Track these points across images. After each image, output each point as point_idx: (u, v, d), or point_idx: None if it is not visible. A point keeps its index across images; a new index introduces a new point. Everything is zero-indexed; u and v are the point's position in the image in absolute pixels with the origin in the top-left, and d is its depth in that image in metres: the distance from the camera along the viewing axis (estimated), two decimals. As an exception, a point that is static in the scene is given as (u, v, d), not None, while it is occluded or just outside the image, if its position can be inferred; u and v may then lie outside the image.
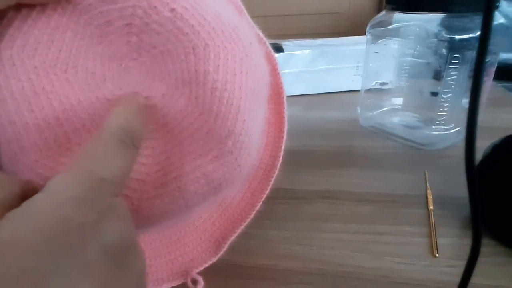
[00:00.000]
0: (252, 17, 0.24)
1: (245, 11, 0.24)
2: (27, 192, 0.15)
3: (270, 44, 0.26)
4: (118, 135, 0.16)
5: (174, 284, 0.25)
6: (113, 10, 0.18)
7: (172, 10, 0.18)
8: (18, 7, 0.18)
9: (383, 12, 0.45)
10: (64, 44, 0.18)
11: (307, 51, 0.61)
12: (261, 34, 0.25)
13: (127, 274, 0.14)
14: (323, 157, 0.43)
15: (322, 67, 0.62)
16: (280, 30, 1.35)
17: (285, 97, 0.27)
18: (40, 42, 0.17)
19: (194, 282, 0.25)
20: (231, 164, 0.20)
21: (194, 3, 0.18)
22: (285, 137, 0.27)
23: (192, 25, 0.18)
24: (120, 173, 0.15)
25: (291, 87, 0.62)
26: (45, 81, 0.17)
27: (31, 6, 0.18)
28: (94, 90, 0.18)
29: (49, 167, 0.17)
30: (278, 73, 0.27)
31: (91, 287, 0.12)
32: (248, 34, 0.21)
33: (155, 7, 0.18)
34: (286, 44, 0.65)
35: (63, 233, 0.12)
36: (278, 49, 0.61)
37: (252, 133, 0.20)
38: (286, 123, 0.28)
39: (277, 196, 0.34)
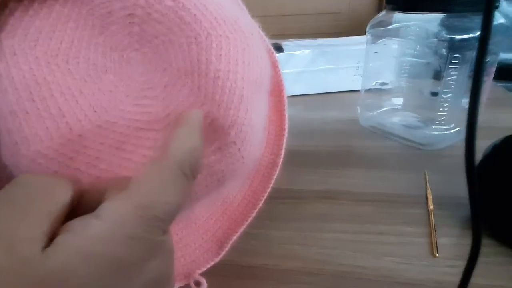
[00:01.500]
0: (252, 17, 0.24)
1: (245, 8, 0.24)
2: (74, 198, 0.14)
3: (270, 44, 0.26)
4: (181, 167, 0.15)
5: (177, 285, 0.25)
6: (115, 0, 0.18)
7: None
8: None
9: (383, 12, 0.45)
10: (65, 35, 0.18)
11: (307, 51, 0.61)
12: (260, 31, 0.25)
13: None
14: (323, 157, 0.43)
15: (322, 67, 0.62)
16: (280, 30, 1.35)
17: (285, 94, 0.27)
18: (41, 33, 0.17)
19: (197, 283, 0.25)
20: (234, 155, 0.20)
21: None
22: (286, 135, 0.27)
23: (194, 15, 0.18)
24: (176, 211, 0.15)
25: (291, 87, 0.62)
26: (46, 71, 0.17)
27: None
28: (96, 81, 0.18)
29: (50, 158, 0.17)
30: (278, 70, 0.26)
31: None
32: (249, 25, 0.21)
33: None
34: (286, 44, 0.65)
35: (113, 271, 0.12)
36: (278, 49, 0.61)
37: (255, 124, 0.20)
38: (287, 121, 0.27)
39: (277, 196, 0.34)
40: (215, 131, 0.19)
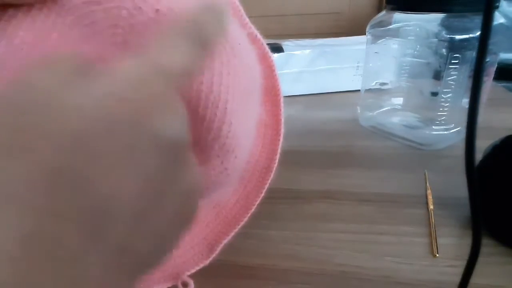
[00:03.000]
0: (252, 17, 0.24)
1: (241, 10, 0.23)
2: None
3: (270, 44, 0.26)
4: (188, 29, 0.15)
5: (165, 286, 0.25)
6: (98, 11, 0.18)
7: (156, 11, 0.18)
8: (2, 8, 0.18)
9: (383, 12, 0.45)
10: (50, 46, 0.18)
11: (307, 51, 0.61)
12: (257, 35, 0.24)
13: (179, 181, 0.13)
14: (323, 157, 0.43)
15: (322, 67, 0.62)
16: (280, 30, 1.35)
17: (281, 99, 0.27)
18: (25, 43, 0.17)
19: (185, 284, 0.25)
20: (217, 168, 0.20)
21: (179, 4, 0.18)
22: (281, 139, 0.27)
23: None
24: (182, 66, 0.14)
25: (291, 87, 0.62)
26: None
27: (17, 7, 0.18)
28: None
29: None
30: (275, 75, 0.26)
31: (137, 176, 0.11)
32: (237, 35, 0.21)
33: (139, 7, 0.18)
34: (286, 44, 0.65)
35: (116, 113, 0.11)
36: (278, 49, 0.61)
37: (240, 136, 0.20)
38: (282, 125, 0.27)
39: (277, 196, 0.34)
40: (198, 145, 0.19)
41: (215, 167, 0.20)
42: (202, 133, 0.19)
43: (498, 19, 0.38)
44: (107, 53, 0.19)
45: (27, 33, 0.18)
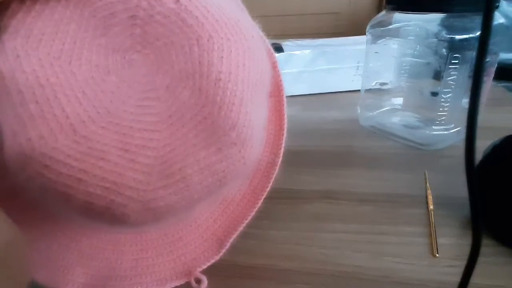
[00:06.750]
0: (252, 17, 0.24)
1: (245, 10, 0.24)
2: None
3: (270, 44, 0.26)
4: None
5: (178, 283, 0.25)
6: (118, 2, 0.18)
7: (177, 1, 0.18)
8: None
9: (383, 12, 0.45)
10: (68, 36, 0.18)
11: (307, 51, 0.61)
12: (260, 32, 0.25)
13: None
14: (323, 157, 0.43)
15: (322, 67, 0.62)
16: (280, 30, 1.35)
17: (284, 95, 0.27)
18: (44, 34, 0.17)
19: (198, 281, 0.25)
20: (235, 156, 0.20)
21: None
22: (285, 134, 0.28)
23: (196, 17, 0.19)
24: None
25: (291, 87, 0.62)
26: (49, 73, 0.17)
27: None
28: (98, 82, 0.18)
29: (56, 159, 0.17)
30: (278, 70, 0.27)
31: None
32: (250, 27, 0.21)
33: None
34: (286, 44, 0.65)
35: None
36: (278, 49, 0.61)
37: (255, 125, 0.21)
38: (286, 121, 0.28)
39: (277, 196, 0.34)
40: (216, 133, 0.19)
41: (232, 155, 0.20)
42: (219, 122, 0.19)
43: (498, 19, 0.38)
44: (126, 44, 0.19)
45: (46, 23, 0.18)
